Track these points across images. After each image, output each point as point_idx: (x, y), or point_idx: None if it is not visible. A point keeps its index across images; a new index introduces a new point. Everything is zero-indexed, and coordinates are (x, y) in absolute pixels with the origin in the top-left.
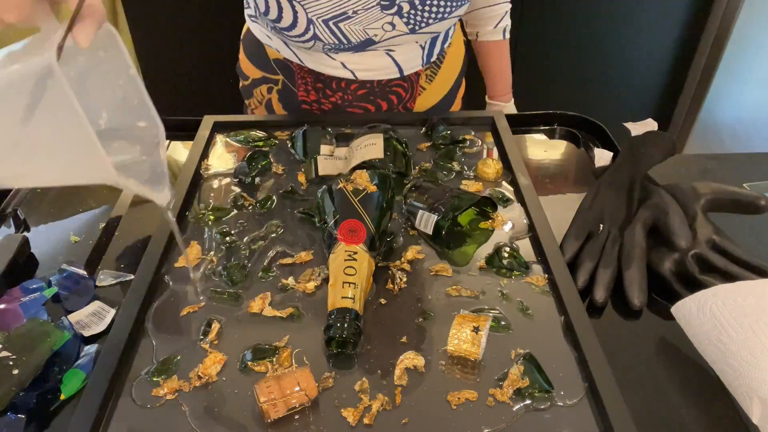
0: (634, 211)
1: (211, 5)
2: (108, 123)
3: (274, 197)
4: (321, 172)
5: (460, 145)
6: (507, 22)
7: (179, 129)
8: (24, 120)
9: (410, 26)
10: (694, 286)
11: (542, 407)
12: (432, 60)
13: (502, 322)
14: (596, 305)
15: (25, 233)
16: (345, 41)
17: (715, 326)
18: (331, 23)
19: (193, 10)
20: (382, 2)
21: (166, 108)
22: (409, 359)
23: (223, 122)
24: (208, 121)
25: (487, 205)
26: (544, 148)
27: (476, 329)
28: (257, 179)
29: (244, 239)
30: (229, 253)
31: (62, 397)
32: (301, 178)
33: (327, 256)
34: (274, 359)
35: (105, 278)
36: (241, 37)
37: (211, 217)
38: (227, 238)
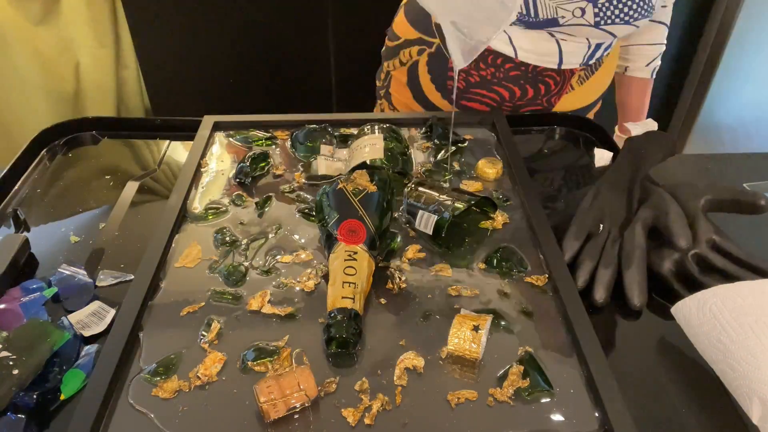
0: (634, 211)
1: (211, 5)
2: None
3: (274, 197)
4: (321, 172)
5: (460, 145)
6: (658, 63)
7: (179, 129)
8: None
9: (597, 19)
10: (694, 286)
11: (542, 407)
12: (590, 63)
13: (502, 322)
14: (596, 305)
15: (25, 233)
16: (533, 14)
17: (714, 326)
18: None
19: (193, 10)
20: None
21: (166, 108)
22: (409, 359)
23: (223, 122)
24: (208, 121)
25: (487, 205)
26: (544, 148)
27: (476, 328)
28: (257, 179)
29: (244, 239)
30: (229, 253)
31: (62, 397)
32: (301, 178)
33: (327, 256)
34: (274, 359)
35: (105, 278)
36: (404, 1)
37: (211, 217)
38: (227, 238)
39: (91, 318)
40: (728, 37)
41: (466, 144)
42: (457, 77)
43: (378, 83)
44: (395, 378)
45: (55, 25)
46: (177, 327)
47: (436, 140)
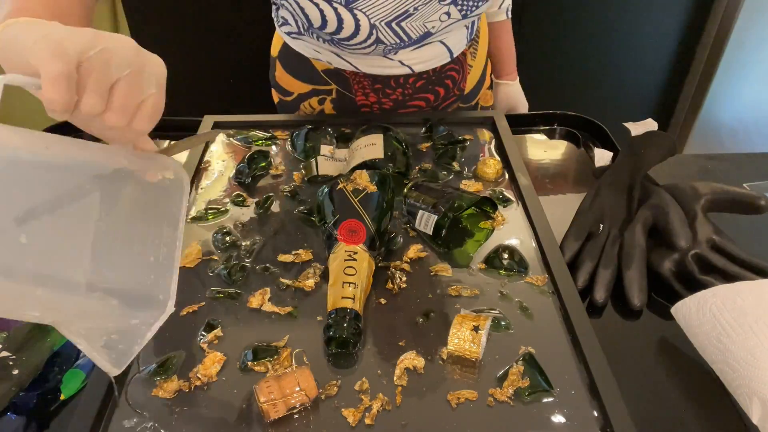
0: (634, 211)
1: (211, 5)
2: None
3: (274, 197)
4: (321, 172)
5: (460, 145)
6: (509, 1)
7: (179, 129)
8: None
9: (463, 12)
10: (694, 286)
11: (542, 407)
12: (472, 38)
13: (502, 322)
14: (596, 305)
15: None
16: (406, 39)
17: (714, 326)
18: (393, 24)
19: (193, 11)
20: None
21: (166, 108)
22: (409, 359)
23: (223, 122)
24: (208, 121)
25: (487, 205)
26: (544, 148)
27: (476, 328)
28: (257, 179)
29: (244, 239)
30: (229, 253)
31: (62, 397)
32: (301, 178)
33: (327, 256)
34: (274, 359)
35: None
36: (275, 54)
37: (211, 217)
38: (227, 238)
39: None
40: (728, 37)
41: (466, 144)
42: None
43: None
44: (395, 378)
45: None
46: (177, 327)
47: (436, 140)
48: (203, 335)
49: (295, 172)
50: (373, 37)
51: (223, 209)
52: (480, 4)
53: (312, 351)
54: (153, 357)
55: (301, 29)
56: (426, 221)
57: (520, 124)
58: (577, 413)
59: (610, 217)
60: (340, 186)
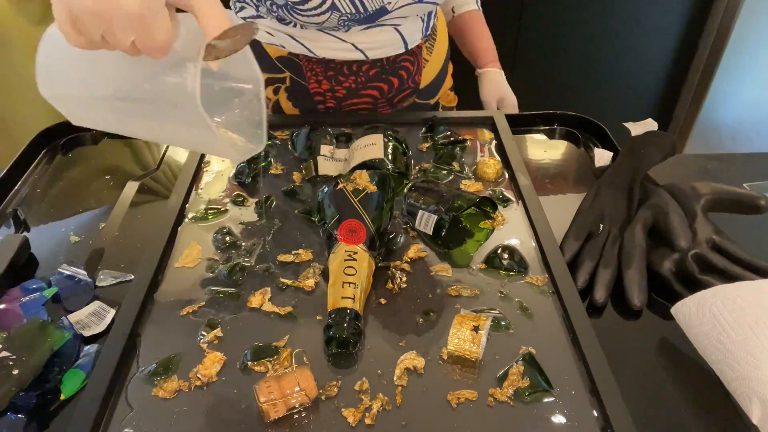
0: (634, 211)
1: None
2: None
3: (274, 197)
4: (321, 172)
5: (460, 145)
6: None
7: None
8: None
9: None
10: (694, 286)
11: (542, 407)
12: (428, 33)
13: (502, 322)
14: (596, 305)
15: (25, 233)
16: (362, 10)
17: (714, 326)
18: None
19: None
20: None
21: None
22: (410, 359)
23: None
24: None
25: (487, 205)
26: (544, 148)
27: (476, 329)
28: (257, 179)
29: (244, 239)
30: (229, 253)
31: (62, 397)
32: (300, 178)
33: (327, 256)
34: (274, 359)
35: (105, 278)
36: None
37: (211, 217)
38: (227, 238)
39: (91, 318)
40: (728, 37)
41: (466, 144)
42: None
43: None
44: (395, 378)
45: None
46: (177, 327)
47: (436, 140)
48: (203, 335)
49: (295, 172)
50: (329, 2)
51: (223, 209)
52: None
53: (312, 351)
54: (153, 357)
55: (258, 5)
56: (426, 221)
57: (520, 124)
58: (577, 413)
59: (610, 217)
60: (340, 186)
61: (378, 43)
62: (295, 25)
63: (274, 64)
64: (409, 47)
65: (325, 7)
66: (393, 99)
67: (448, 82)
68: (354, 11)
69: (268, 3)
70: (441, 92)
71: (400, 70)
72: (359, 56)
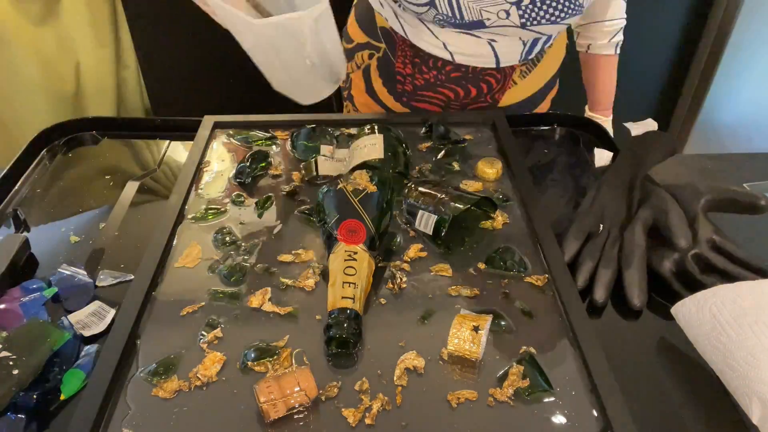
0: (634, 211)
1: None
2: None
3: (273, 197)
4: (321, 172)
5: (460, 145)
6: (620, 37)
7: (179, 129)
8: None
9: (523, 20)
10: (694, 286)
11: (542, 407)
12: (530, 58)
13: (502, 322)
14: (596, 305)
15: (25, 233)
16: (458, 16)
17: (714, 327)
18: None
19: (193, 10)
20: None
21: (166, 108)
22: (410, 360)
23: (223, 122)
24: (208, 121)
25: (487, 205)
26: (544, 148)
27: (476, 329)
28: (257, 179)
29: (244, 239)
30: (229, 253)
31: (62, 397)
32: (300, 177)
33: (327, 256)
34: (274, 359)
35: (105, 278)
36: (355, 2)
37: (211, 217)
38: (227, 238)
39: (91, 318)
40: (728, 37)
41: (466, 144)
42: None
43: (342, 84)
44: (395, 378)
45: (55, 25)
46: (177, 327)
47: (436, 140)
48: (203, 335)
49: (295, 172)
50: (427, 8)
51: (222, 209)
52: (543, 22)
53: (312, 351)
54: (153, 357)
55: None
56: (426, 221)
57: (520, 124)
58: (577, 413)
59: (610, 217)
60: (340, 186)
61: (468, 51)
62: (400, 5)
63: (376, 31)
64: (501, 65)
65: (425, 0)
66: (467, 105)
67: (544, 106)
68: (450, 14)
69: None
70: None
71: (482, 82)
72: (446, 56)
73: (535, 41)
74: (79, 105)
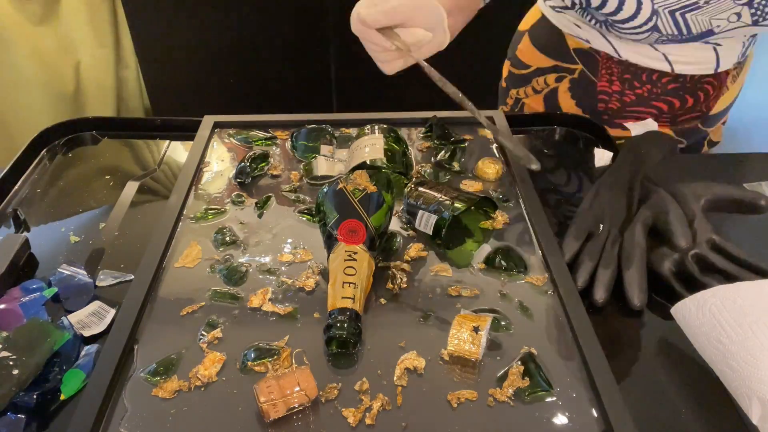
0: (634, 211)
1: (211, 6)
2: None
3: (273, 197)
4: (321, 172)
5: (460, 145)
6: None
7: (179, 129)
8: None
9: (755, 17)
10: (694, 286)
11: (542, 407)
12: (742, 60)
13: (502, 322)
14: (596, 305)
15: (25, 233)
16: (686, 32)
17: (714, 327)
18: (677, 13)
19: (193, 11)
20: None
21: (166, 108)
22: (410, 360)
23: (223, 122)
24: (208, 121)
25: (487, 205)
26: (544, 148)
27: (476, 329)
28: (257, 179)
29: (244, 239)
30: (229, 253)
31: (62, 397)
32: (301, 178)
33: (327, 256)
34: (274, 359)
35: (105, 278)
36: (525, 28)
37: (211, 217)
38: (227, 238)
39: (91, 318)
40: None
41: (466, 144)
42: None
43: (504, 108)
44: (395, 378)
45: (55, 25)
46: (177, 327)
47: (436, 140)
48: (203, 335)
49: (294, 172)
50: (651, 23)
51: (222, 209)
52: (765, 20)
53: (312, 351)
54: (153, 357)
55: (571, 3)
56: (426, 221)
57: (520, 124)
58: (577, 413)
59: (610, 217)
60: (340, 186)
61: (690, 59)
62: (610, 30)
63: (568, 53)
64: (720, 69)
65: (647, 27)
66: (678, 117)
67: (726, 116)
68: (676, 32)
69: (585, 13)
70: (715, 126)
71: (699, 91)
72: (665, 67)
73: (751, 39)
74: (78, 105)
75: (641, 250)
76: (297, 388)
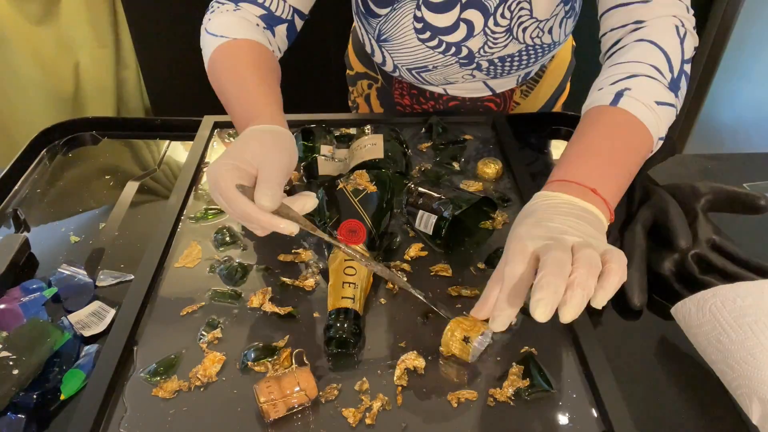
0: (634, 211)
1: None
2: None
3: None
4: (321, 172)
5: (460, 145)
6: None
7: (179, 129)
8: None
9: (491, 75)
10: (694, 286)
11: (542, 407)
12: (528, 79)
13: None
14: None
15: (25, 233)
16: (427, 83)
17: (714, 327)
18: (413, 71)
19: (193, 10)
20: (461, 60)
21: (166, 108)
22: (410, 360)
23: (223, 122)
24: (208, 121)
25: (487, 205)
26: (545, 148)
27: (467, 340)
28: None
29: (244, 239)
30: (229, 253)
31: (62, 397)
32: (300, 177)
33: (327, 256)
34: (274, 359)
35: (105, 278)
36: (352, 28)
37: (211, 217)
38: (227, 238)
39: (91, 318)
40: (728, 37)
41: (466, 144)
42: None
43: (350, 103)
44: (395, 378)
45: (55, 25)
46: (177, 327)
47: (436, 140)
48: (203, 335)
49: (295, 172)
50: (397, 73)
51: (222, 209)
52: (512, 71)
53: (312, 351)
54: (153, 357)
55: (355, 11)
56: (426, 221)
57: (520, 124)
58: (577, 413)
59: None
60: (340, 186)
61: (460, 88)
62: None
63: (372, 63)
64: (498, 92)
65: (396, 74)
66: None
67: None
68: (417, 82)
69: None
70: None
71: (481, 109)
72: (439, 90)
73: (527, 74)
74: (78, 105)
75: (641, 251)
76: (297, 388)
